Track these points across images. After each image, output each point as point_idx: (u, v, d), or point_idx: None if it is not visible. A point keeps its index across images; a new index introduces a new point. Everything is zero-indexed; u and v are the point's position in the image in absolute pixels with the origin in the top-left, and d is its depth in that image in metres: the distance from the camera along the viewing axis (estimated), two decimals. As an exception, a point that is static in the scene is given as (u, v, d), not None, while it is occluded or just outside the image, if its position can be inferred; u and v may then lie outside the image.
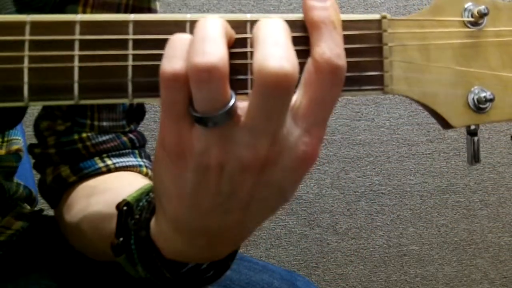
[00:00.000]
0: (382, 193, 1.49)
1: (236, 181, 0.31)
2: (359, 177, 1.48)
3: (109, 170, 0.54)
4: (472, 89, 0.36)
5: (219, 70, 0.28)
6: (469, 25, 0.36)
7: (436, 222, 1.52)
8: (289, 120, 0.30)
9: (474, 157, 0.38)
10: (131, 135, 0.57)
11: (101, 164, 0.54)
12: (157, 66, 0.30)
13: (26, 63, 0.31)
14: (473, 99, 0.36)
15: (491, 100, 0.36)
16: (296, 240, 1.43)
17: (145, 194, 0.41)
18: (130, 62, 0.31)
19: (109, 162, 0.55)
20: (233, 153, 0.30)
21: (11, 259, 0.57)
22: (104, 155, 0.55)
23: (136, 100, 0.32)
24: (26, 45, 0.31)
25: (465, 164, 1.54)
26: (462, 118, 0.36)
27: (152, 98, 0.32)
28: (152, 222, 0.38)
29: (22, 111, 0.60)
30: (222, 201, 0.32)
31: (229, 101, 0.29)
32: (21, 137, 0.67)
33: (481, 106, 0.36)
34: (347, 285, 1.46)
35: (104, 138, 0.55)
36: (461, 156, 1.55)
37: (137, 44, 0.32)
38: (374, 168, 1.49)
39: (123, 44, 0.31)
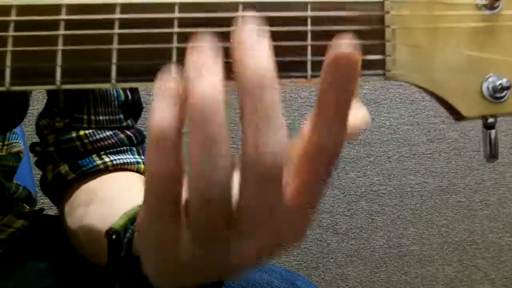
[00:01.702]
0: (382, 193, 1.49)
1: (234, 264, 0.30)
2: (359, 177, 1.48)
3: (106, 168, 0.55)
4: (487, 76, 0.33)
5: (226, 199, 0.27)
6: (483, 8, 0.33)
7: (436, 222, 1.52)
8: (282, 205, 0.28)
9: (491, 153, 0.36)
10: (128, 132, 0.58)
11: (98, 162, 0.55)
12: (142, 50, 0.29)
13: (10, 46, 0.30)
14: (487, 87, 0.33)
15: (508, 88, 0.33)
16: (296, 240, 1.43)
17: (131, 221, 0.41)
18: (115, 45, 0.30)
19: (106, 159, 0.55)
20: (227, 250, 0.29)
21: (12, 257, 0.57)
22: (102, 152, 0.55)
23: (120, 85, 0.30)
24: (11, 26, 0.30)
25: (465, 164, 1.54)
26: (475, 108, 0.34)
27: (136, 82, 0.30)
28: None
29: (23, 111, 0.60)
30: (215, 268, 0.31)
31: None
32: (21, 141, 0.67)
33: (497, 95, 0.33)
34: (347, 285, 1.46)
35: (102, 135, 0.56)
36: (462, 156, 1.54)
37: (123, 26, 0.30)
38: (375, 168, 1.49)
39: (108, 26, 0.30)
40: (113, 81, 0.30)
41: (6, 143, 0.63)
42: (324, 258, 1.45)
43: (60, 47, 0.30)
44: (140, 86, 0.31)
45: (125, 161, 0.56)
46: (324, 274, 1.45)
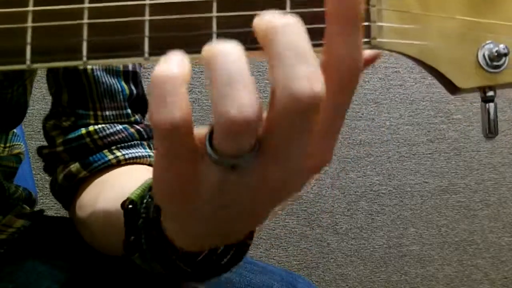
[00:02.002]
0: (382, 193, 1.49)
1: (250, 205, 0.30)
2: (359, 177, 1.48)
3: (118, 162, 0.54)
4: (483, 44, 0.30)
5: (256, 122, 0.25)
6: None
7: (436, 222, 1.52)
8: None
9: (489, 128, 0.32)
10: (138, 127, 0.57)
11: (110, 156, 0.54)
12: (115, 23, 0.28)
13: None
14: (483, 55, 0.30)
15: (505, 55, 0.30)
16: (296, 240, 1.43)
17: (148, 189, 0.40)
18: (85, 20, 0.29)
19: (118, 153, 0.54)
20: (247, 184, 0.28)
21: (11, 258, 0.57)
22: (113, 147, 0.55)
23: (91, 62, 0.29)
24: None
25: (465, 164, 1.54)
26: (471, 79, 0.31)
27: (109, 59, 0.29)
28: (162, 218, 0.37)
29: (23, 111, 0.60)
30: (233, 218, 0.31)
31: (256, 146, 0.27)
32: (22, 143, 0.67)
33: (494, 63, 0.30)
34: (347, 285, 1.46)
35: (112, 130, 0.55)
36: (462, 156, 1.54)
37: (94, 0, 0.29)
38: (375, 168, 1.49)
39: (79, 0, 0.29)
40: (84, 58, 0.29)
41: (8, 145, 0.63)
42: (324, 258, 1.45)
43: (29, 24, 0.29)
44: (113, 63, 0.29)
45: (137, 154, 0.55)
46: (324, 274, 1.45)
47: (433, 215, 1.52)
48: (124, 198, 0.41)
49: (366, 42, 0.29)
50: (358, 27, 0.27)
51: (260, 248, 1.41)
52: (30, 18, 0.29)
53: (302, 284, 0.57)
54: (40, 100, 1.21)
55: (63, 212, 0.60)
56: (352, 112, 1.48)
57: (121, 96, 0.56)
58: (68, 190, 0.56)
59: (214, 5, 0.29)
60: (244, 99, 0.25)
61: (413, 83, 1.52)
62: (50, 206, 1.24)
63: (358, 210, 1.47)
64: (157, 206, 0.38)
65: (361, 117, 1.48)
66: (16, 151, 0.64)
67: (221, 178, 0.28)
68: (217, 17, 0.29)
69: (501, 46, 0.30)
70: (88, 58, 0.29)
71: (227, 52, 0.26)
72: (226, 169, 0.27)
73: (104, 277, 0.55)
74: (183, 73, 0.26)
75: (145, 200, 0.39)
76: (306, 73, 0.25)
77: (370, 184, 1.48)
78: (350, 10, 0.26)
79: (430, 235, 1.51)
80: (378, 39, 0.30)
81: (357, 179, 1.48)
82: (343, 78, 0.27)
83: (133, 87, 0.57)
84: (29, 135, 1.23)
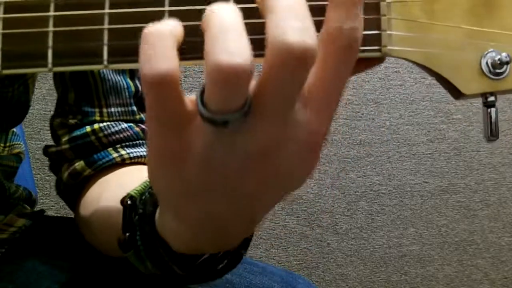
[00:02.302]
0: (382, 193, 1.49)
1: (241, 173, 0.29)
2: (359, 177, 1.48)
3: (123, 160, 0.54)
4: (486, 52, 0.32)
5: (246, 72, 0.25)
6: None
7: (436, 222, 1.52)
8: (298, 102, 0.28)
9: (491, 132, 0.34)
10: (143, 126, 0.57)
11: (115, 155, 0.54)
12: (134, 29, 0.29)
13: (0, 29, 0.30)
14: (487, 63, 0.32)
15: (507, 63, 0.32)
16: (296, 240, 1.43)
17: (149, 186, 0.40)
18: (106, 25, 0.30)
19: (123, 152, 0.54)
20: (240, 145, 0.28)
21: (11, 258, 0.57)
22: (118, 145, 0.54)
23: (112, 66, 0.30)
24: (1, 8, 0.30)
25: (465, 164, 1.54)
26: (475, 85, 0.32)
27: (129, 63, 0.30)
28: (157, 215, 0.37)
29: (25, 110, 0.60)
30: (226, 191, 0.30)
31: (247, 101, 0.27)
32: (22, 143, 0.67)
33: (497, 70, 0.32)
34: (347, 285, 1.46)
35: (117, 128, 0.55)
36: (462, 156, 1.54)
37: (114, 5, 0.30)
38: (375, 168, 1.49)
39: (99, 6, 0.30)
40: (105, 62, 0.30)
41: (7, 144, 0.63)
42: (324, 258, 1.45)
43: (51, 28, 0.30)
44: (133, 67, 0.29)
45: (141, 153, 0.55)
46: (324, 274, 1.45)
47: (433, 215, 1.52)
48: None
49: (377, 50, 0.31)
50: None
51: (260, 248, 1.41)
52: (51, 23, 0.30)
53: (302, 285, 0.57)
54: (40, 100, 1.21)
55: (63, 212, 0.60)
56: (352, 112, 1.48)
57: (127, 93, 0.56)
58: (73, 188, 0.56)
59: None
60: (235, 47, 0.25)
61: (413, 83, 1.52)
62: (50, 206, 1.24)
63: (358, 210, 1.47)
64: (153, 201, 0.38)
65: (361, 117, 1.48)
66: (16, 150, 0.64)
67: (212, 138, 0.28)
68: None
69: (504, 54, 0.32)
70: (109, 62, 0.30)
71: (222, 6, 0.27)
72: (217, 129, 0.27)
73: (104, 278, 0.55)
74: (173, 30, 0.27)
75: (143, 197, 0.39)
76: (299, 27, 0.26)
77: (370, 184, 1.48)
78: None
79: (430, 235, 1.51)
80: (388, 47, 0.31)
81: (357, 179, 1.48)
82: (342, 48, 0.28)
83: (138, 84, 0.57)
84: (29, 135, 1.23)
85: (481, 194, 1.55)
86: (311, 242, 1.44)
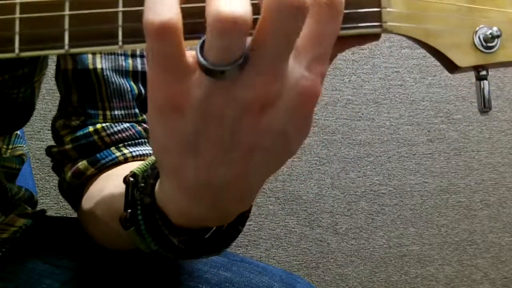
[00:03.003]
0: (382, 193, 1.49)
1: (237, 126, 0.30)
2: (359, 177, 1.48)
3: (126, 159, 0.54)
4: (478, 27, 0.35)
5: (246, 22, 0.26)
6: None
7: (436, 222, 1.52)
8: (291, 58, 0.29)
9: (484, 104, 0.36)
10: (145, 125, 0.57)
11: (117, 154, 0.54)
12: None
13: (17, 13, 0.31)
14: (479, 37, 0.34)
15: (498, 37, 0.34)
16: (296, 240, 1.43)
17: (152, 163, 0.41)
18: (120, 8, 0.31)
19: (125, 151, 0.54)
20: (236, 96, 0.29)
21: (13, 257, 0.57)
22: (120, 144, 0.55)
23: (127, 47, 0.31)
24: None
25: (465, 164, 1.54)
26: (468, 58, 0.35)
27: (143, 43, 0.30)
28: (157, 187, 0.38)
29: (29, 111, 0.60)
30: (223, 149, 0.31)
31: (245, 52, 0.28)
32: (24, 145, 0.67)
33: (488, 44, 0.35)
34: (347, 285, 1.46)
35: (120, 127, 0.55)
36: (462, 156, 1.54)
37: None
38: (374, 168, 1.49)
39: None
40: (120, 42, 0.31)
41: (10, 146, 0.64)
42: (324, 258, 1.45)
43: (67, 12, 0.31)
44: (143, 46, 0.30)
45: (144, 152, 0.55)
46: (324, 274, 1.45)
47: (433, 215, 1.52)
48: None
49: (378, 26, 0.33)
50: None
51: (260, 248, 1.41)
52: (67, 6, 0.31)
53: (301, 285, 0.57)
54: (40, 100, 1.21)
55: (63, 212, 0.60)
56: (352, 112, 1.48)
57: (130, 96, 0.57)
58: (77, 188, 0.56)
59: None
60: None
61: (413, 83, 1.52)
62: (50, 206, 1.24)
63: (358, 210, 1.47)
64: (155, 174, 0.38)
65: (361, 117, 1.48)
66: (18, 152, 0.64)
67: (210, 89, 0.29)
68: None
69: (494, 28, 0.34)
70: (124, 43, 0.31)
71: None
72: (215, 80, 0.28)
73: (105, 276, 0.55)
74: None
75: (145, 173, 0.40)
76: None
77: (370, 184, 1.48)
78: None
79: (430, 235, 1.51)
80: (389, 23, 0.33)
81: (357, 179, 1.48)
82: (327, 4, 0.29)
83: (141, 87, 0.58)
84: (29, 135, 1.24)
85: (481, 194, 1.55)
86: (311, 242, 1.44)
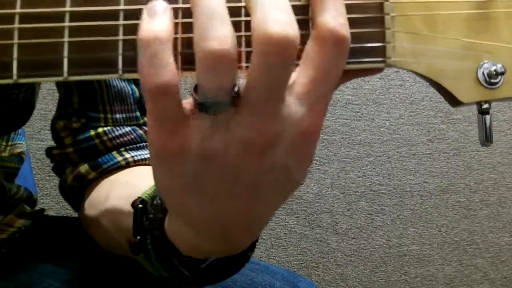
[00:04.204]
0: (382, 193, 1.49)
1: (239, 165, 0.30)
2: (359, 177, 1.48)
3: (127, 164, 0.54)
4: (482, 63, 0.34)
5: (231, 55, 0.27)
6: None
7: (436, 222, 1.52)
8: (290, 97, 0.29)
9: (486, 138, 0.36)
10: (146, 129, 0.57)
11: (119, 158, 0.54)
12: None
13: (16, 39, 0.30)
14: (483, 73, 0.34)
15: (502, 74, 0.34)
16: (296, 240, 1.43)
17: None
18: (120, 36, 0.30)
19: (127, 155, 0.54)
20: (234, 136, 0.29)
21: (13, 258, 0.57)
22: (122, 149, 0.55)
23: (126, 75, 0.31)
24: (16, 18, 0.30)
25: (465, 164, 1.54)
26: (472, 94, 0.34)
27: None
28: (166, 221, 0.38)
29: (29, 111, 0.60)
30: (227, 187, 0.31)
31: (236, 87, 0.28)
32: (24, 142, 0.67)
33: (492, 80, 0.34)
34: (347, 285, 1.46)
35: (121, 131, 0.55)
36: (462, 156, 1.55)
37: (128, 16, 0.31)
38: (374, 168, 1.49)
39: (114, 17, 0.30)
40: (120, 71, 0.30)
41: (9, 143, 0.63)
42: (324, 258, 1.45)
43: (66, 38, 0.30)
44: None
45: (145, 156, 0.55)
46: (324, 274, 1.45)
47: (433, 215, 1.52)
48: (135, 197, 0.41)
49: (381, 61, 0.33)
50: None
51: (260, 248, 1.41)
52: (66, 33, 0.30)
53: (303, 284, 0.57)
54: (40, 100, 1.21)
55: (64, 213, 0.60)
56: (352, 112, 1.48)
57: (131, 99, 0.57)
58: (78, 191, 0.56)
59: None
60: (223, 32, 0.27)
61: (413, 83, 1.52)
62: (50, 206, 1.24)
63: (358, 210, 1.48)
64: (164, 207, 0.38)
65: (361, 117, 1.48)
66: (17, 150, 0.64)
67: (208, 130, 0.29)
68: None
69: (499, 65, 0.34)
70: (123, 71, 0.31)
71: None
72: (211, 119, 0.28)
73: (106, 276, 0.55)
74: (168, 30, 0.28)
75: (154, 202, 0.40)
76: (280, 18, 0.27)
77: (370, 184, 1.48)
78: None
79: (430, 235, 1.51)
80: (393, 58, 0.33)
81: (357, 179, 1.48)
82: (331, 45, 0.29)
83: None
84: (29, 135, 1.23)
85: (481, 194, 1.55)
86: (311, 242, 1.44)
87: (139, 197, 0.41)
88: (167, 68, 0.27)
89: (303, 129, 0.30)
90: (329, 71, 0.30)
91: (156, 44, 0.28)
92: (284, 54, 0.27)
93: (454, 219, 1.53)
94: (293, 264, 1.43)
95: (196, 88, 0.28)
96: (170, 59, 0.28)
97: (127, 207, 0.42)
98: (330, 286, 1.45)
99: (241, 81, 0.29)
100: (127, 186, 0.50)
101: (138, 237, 0.40)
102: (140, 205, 0.40)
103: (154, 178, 0.33)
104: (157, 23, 0.28)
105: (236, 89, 0.28)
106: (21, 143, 0.65)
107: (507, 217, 1.57)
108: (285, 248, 1.43)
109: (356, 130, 1.48)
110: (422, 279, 1.51)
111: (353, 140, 1.48)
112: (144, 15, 0.28)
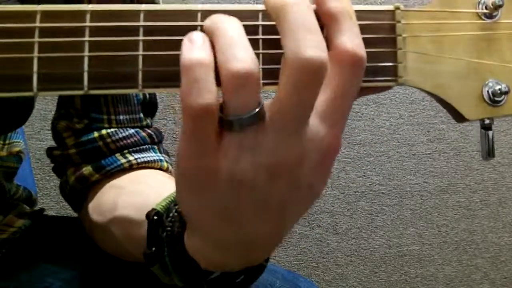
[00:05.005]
0: (382, 193, 1.49)
1: (268, 188, 0.31)
2: (359, 177, 1.48)
3: (131, 166, 0.54)
4: (487, 82, 0.36)
5: (254, 74, 0.28)
6: (483, 17, 0.36)
7: (436, 222, 1.52)
8: (312, 117, 0.30)
9: (489, 152, 0.38)
10: (149, 131, 0.57)
11: (123, 160, 0.54)
12: (168, 56, 0.30)
13: (36, 52, 0.31)
14: (487, 92, 0.36)
15: (506, 93, 0.36)
16: (296, 240, 1.43)
17: (174, 203, 0.41)
18: (140, 52, 0.31)
19: (130, 157, 0.54)
20: (261, 158, 0.30)
21: (14, 257, 0.57)
22: (125, 151, 0.55)
23: (146, 90, 0.31)
24: (36, 32, 0.31)
25: (465, 164, 1.54)
26: (476, 111, 0.36)
27: (162, 88, 0.31)
28: (186, 236, 0.38)
29: (29, 111, 0.60)
30: (256, 211, 0.31)
31: (259, 105, 0.29)
32: (22, 140, 0.67)
33: (496, 99, 0.36)
34: (347, 285, 1.46)
35: (124, 134, 0.55)
36: (462, 156, 1.55)
37: (148, 32, 0.31)
38: (374, 168, 1.49)
39: (133, 32, 0.31)
40: (140, 86, 0.31)
41: (7, 142, 0.63)
42: (324, 258, 1.45)
43: (86, 53, 0.31)
44: (167, 91, 0.31)
45: (148, 159, 0.55)
46: (324, 274, 1.45)
47: (433, 215, 1.52)
48: (145, 207, 0.41)
49: (393, 80, 0.34)
50: (352, 18, 0.31)
51: (260, 248, 1.41)
52: (86, 48, 0.31)
53: (303, 283, 0.57)
54: (40, 100, 1.21)
55: (64, 213, 0.60)
56: (352, 112, 1.48)
57: (135, 101, 0.57)
58: (80, 192, 0.56)
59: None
60: (240, 54, 0.29)
61: (413, 83, 1.52)
62: (50, 206, 1.24)
63: (358, 210, 1.48)
64: (182, 221, 0.38)
65: (361, 117, 1.48)
66: (16, 149, 0.64)
67: (236, 152, 0.30)
68: None
69: (503, 85, 0.36)
70: (143, 87, 0.31)
71: (228, 20, 0.30)
72: (238, 140, 0.29)
73: (107, 275, 0.55)
74: (211, 58, 0.29)
75: (171, 214, 0.40)
76: (316, 43, 0.29)
77: (370, 184, 1.48)
78: (346, 7, 0.31)
79: (430, 235, 1.51)
80: (404, 78, 0.35)
81: (357, 179, 1.48)
82: (350, 65, 0.30)
83: (146, 92, 0.57)
84: (29, 135, 1.23)
85: (481, 194, 1.55)
86: (311, 242, 1.44)
87: (153, 209, 0.41)
88: (209, 89, 0.28)
89: (325, 148, 0.31)
90: (348, 90, 0.31)
91: (199, 66, 0.29)
92: (317, 77, 0.28)
93: (454, 219, 1.53)
94: (293, 264, 1.43)
95: (221, 107, 0.29)
96: (213, 81, 0.29)
97: (137, 216, 0.42)
98: (330, 286, 1.45)
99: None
100: (136, 194, 0.50)
101: (154, 249, 0.40)
102: (155, 217, 0.40)
103: (179, 201, 0.34)
104: (199, 49, 0.29)
105: (259, 106, 0.29)
106: (18, 142, 0.65)
107: (507, 217, 1.57)
108: (285, 248, 1.43)
109: (356, 130, 1.48)
110: (422, 279, 1.51)
111: (353, 140, 1.48)
112: (185, 41, 0.30)
